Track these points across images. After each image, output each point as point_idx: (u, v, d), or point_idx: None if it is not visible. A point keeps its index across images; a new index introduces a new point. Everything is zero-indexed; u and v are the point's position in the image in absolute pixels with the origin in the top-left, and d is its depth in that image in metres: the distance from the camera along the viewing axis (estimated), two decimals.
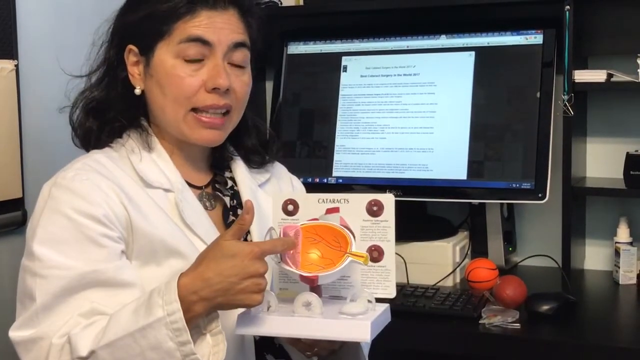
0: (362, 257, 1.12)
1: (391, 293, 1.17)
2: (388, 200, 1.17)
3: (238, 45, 1.24)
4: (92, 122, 1.27)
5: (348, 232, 1.14)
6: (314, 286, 1.12)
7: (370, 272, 1.17)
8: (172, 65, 1.21)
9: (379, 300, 1.16)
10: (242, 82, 1.25)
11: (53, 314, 1.11)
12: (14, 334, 1.13)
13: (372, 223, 1.16)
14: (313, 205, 1.17)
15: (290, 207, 1.18)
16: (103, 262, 1.13)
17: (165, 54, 1.22)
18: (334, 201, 1.17)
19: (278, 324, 1.10)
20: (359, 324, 1.08)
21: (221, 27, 1.22)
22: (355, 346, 1.27)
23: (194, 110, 1.22)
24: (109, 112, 1.27)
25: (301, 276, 1.10)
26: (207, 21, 1.21)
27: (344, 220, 1.16)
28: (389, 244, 1.16)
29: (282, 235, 1.12)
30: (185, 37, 1.20)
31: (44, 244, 1.13)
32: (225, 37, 1.22)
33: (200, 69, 1.21)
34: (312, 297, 1.09)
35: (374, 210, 1.17)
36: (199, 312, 1.07)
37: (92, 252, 1.13)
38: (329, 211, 1.17)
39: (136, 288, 1.15)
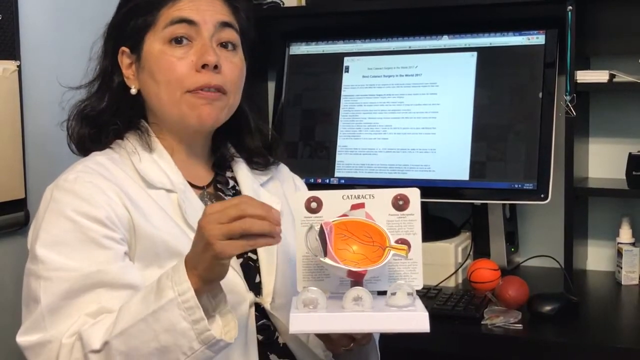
0: (403, 250, 1.12)
1: (419, 285, 1.17)
2: (414, 194, 1.17)
3: (224, 24, 1.24)
4: (87, 128, 1.28)
5: (382, 226, 1.14)
6: (359, 281, 1.12)
7: (398, 264, 1.17)
8: (161, 50, 1.22)
9: None
10: (232, 64, 1.25)
11: (59, 317, 1.10)
12: (22, 339, 1.12)
13: (398, 217, 1.16)
14: (337, 201, 1.17)
15: (313, 205, 1.17)
16: (107, 263, 1.13)
17: (153, 42, 1.23)
18: (358, 197, 1.16)
19: (335, 320, 1.08)
20: (417, 315, 1.09)
21: (205, 9, 1.23)
22: (371, 341, 1.29)
23: (189, 91, 1.22)
24: (106, 117, 1.27)
25: (349, 271, 1.09)
26: (190, 4, 1.22)
27: (370, 216, 1.15)
28: (415, 236, 1.16)
29: (325, 230, 1.11)
30: (170, 20, 1.22)
31: (47, 246, 1.13)
32: (210, 17, 1.23)
33: (189, 50, 1.22)
34: (363, 292, 1.09)
35: (400, 204, 1.16)
36: (196, 287, 1.05)
37: (96, 253, 1.13)
38: (354, 207, 1.16)
39: (140, 289, 1.14)
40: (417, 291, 1.72)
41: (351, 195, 1.16)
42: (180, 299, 1.04)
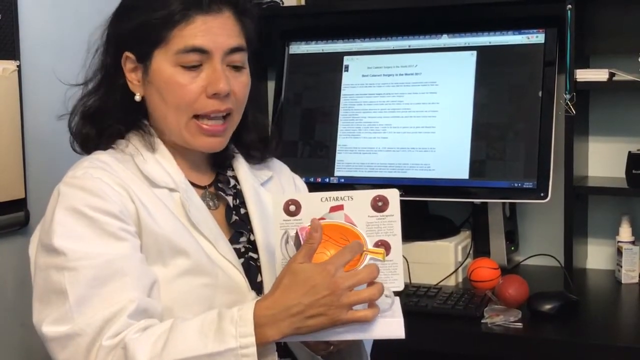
0: (380, 253, 1.12)
1: (399, 286, 1.16)
2: (393, 194, 1.16)
3: (235, 50, 1.23)
4: (90, 128, 1.27)
5: (359, 229, 1.13)
6: None
7: (378, 266, 1.17)
8: (171, 74, 1.21)
9: None
10: (240, 84, 1.25)
11: (88, 308, 1.09)
12: (48, 329, 1.10)
13: (377, 219, 1.15)
14: (316, 204, 1.16)
15: (292, 208, 1.16)
16: (129, 252, 1.13)
17: (162, 62, 1.22)
18: (337, 199, 1.16)
19: None
20: (392, 322, 1.09)
21: (217, 33, 1.21)
22: (358, 343, 1.28)
23: (196, 117, 1.22)
24: (108, 118, 1.27)
25: None
26: (203, 27, 1.20)
27: (349, 218, 1.15)
28: (395, 238, 1.16)
29: (300, 237, 1.10)
30: (183, 48, 1.20)
31: (65, 239, 1.12)
32: (222, 42, 1.22)
33: (199, 74, 1.21)
34: None
35: (379, 205, 1.16)
36: (272, 338, 1.06)
37: (115, 245, 1.13)
38: (333, 209, 1.16)
39: (156, 281, 1.15)
40: (417, 290, 1.74)
41: (330, 198, 1.16)
42: (241, 351, 1.04)
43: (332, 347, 1.21)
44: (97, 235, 1.13)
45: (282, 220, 1.16)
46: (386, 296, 1.11)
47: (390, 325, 1.09)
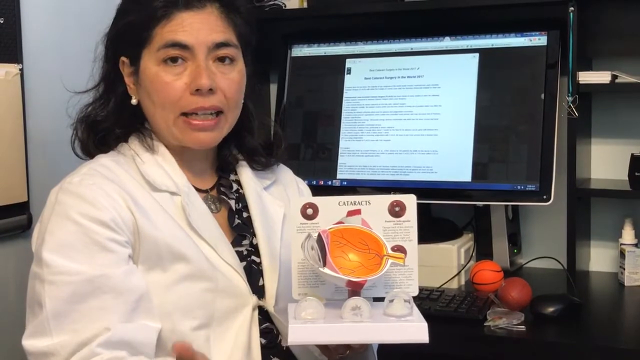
0: (400, 258, 1.11)
1: (414, 291, 1.17)
2: (410, 200, 1.17)
3: (220, 45, 1.23)
4: (93, 134, 1.28)
5: (378, 233, 1.13)
6: (357, 290, 1.11)
7: (394, 271, 1.16)
8: (155, 72, 1.21)
9: None
10: (229, 81, 1.24)
11: (65, 323, 1.10)
12: (27, 342, 1.12)
13: (394, 224, 1.16)
14: (333, 208, 1.16)
15: (309, 211, 1.16)
16: (111, 267, 1.13)
17: (148, 62, 1.22)
18: (355, 203, 1.16)
19: (334, 331, 1.08)
20: (416, 325, 1.09)
21: (199, 28, 1.21)
22: (370, 348, 1.29)
23: (184, 114, 1.22)
24: (110, 124, 1.27)
25: (348, 281, 1.09)
26: (184, 23, 1.21)
27: (366, 222, 1.15)
28: (411, 243, 1.16)
29: (323, 238, 1.10)
30: (163, 43, 1.20)
31: (52, 250, 1.12)
32: (204, 37, 1.21)
33: (183, 72, 1.21)
34: (361, 302, 1.09)
35: (396, 211, 1.16)
36: None
37: (100, 257, 1.12)
38: (350, 213, 1.16)
39: (144, 294, 1.15)
40: (420, 292, 1.73)
41: (347, 202, 1.16)
42: None
43: (348, 352, 1.21)
44: (84, 245, 1.12)
45: (299, 224, 1.16)
46: (405, 301, 1.10)
47: (414, 329, 1.09)
